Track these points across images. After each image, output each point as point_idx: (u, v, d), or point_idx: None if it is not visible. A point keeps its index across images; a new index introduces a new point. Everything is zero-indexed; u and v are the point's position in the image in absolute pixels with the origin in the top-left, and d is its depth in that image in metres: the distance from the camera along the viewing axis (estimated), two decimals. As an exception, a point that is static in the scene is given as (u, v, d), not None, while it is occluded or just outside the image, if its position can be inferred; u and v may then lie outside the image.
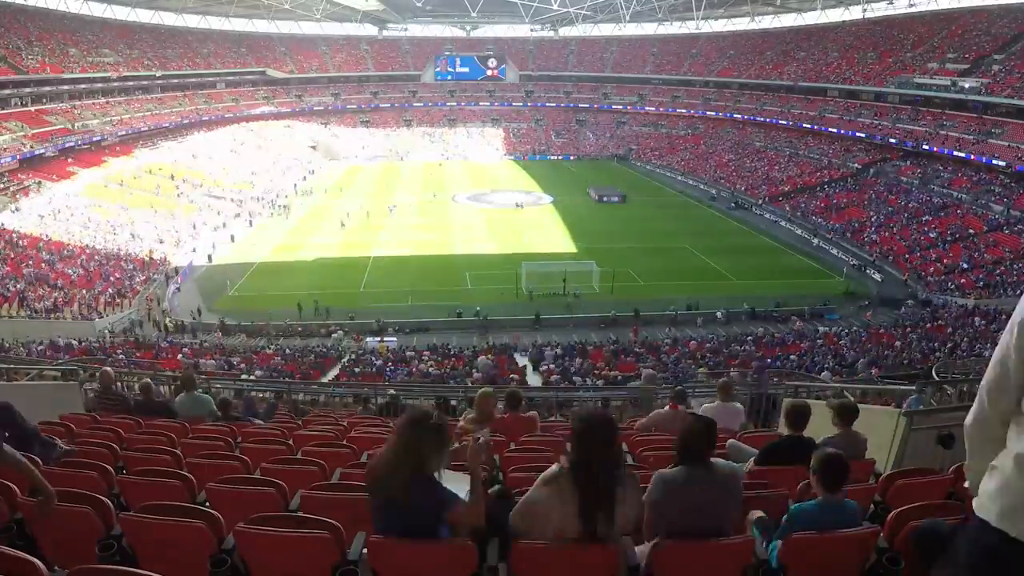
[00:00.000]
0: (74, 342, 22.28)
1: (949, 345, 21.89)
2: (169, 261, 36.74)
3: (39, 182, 41.18)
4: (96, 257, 34.39)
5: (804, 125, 59.36)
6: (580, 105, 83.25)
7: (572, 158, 73.63)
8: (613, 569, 2.82)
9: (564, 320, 29.21)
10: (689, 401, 8.42)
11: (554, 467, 2.78)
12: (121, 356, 19.72)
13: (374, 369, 21.19)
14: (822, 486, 3.22)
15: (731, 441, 5.30)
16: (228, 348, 24.42)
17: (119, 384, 9.24)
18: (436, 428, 2.72)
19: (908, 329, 25.10)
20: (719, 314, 29.56)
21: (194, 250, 38.83)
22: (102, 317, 28.14)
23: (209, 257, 37.95)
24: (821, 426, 4.99)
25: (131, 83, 60.47)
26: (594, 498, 2.63)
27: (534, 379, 20.20)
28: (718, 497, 3.05)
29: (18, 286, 28.84)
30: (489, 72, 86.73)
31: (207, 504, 3.62)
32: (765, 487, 3.85)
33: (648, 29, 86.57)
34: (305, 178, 60.31)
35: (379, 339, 26.63)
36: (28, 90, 49.00)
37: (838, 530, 3.09)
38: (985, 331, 22.92)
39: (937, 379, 13.06)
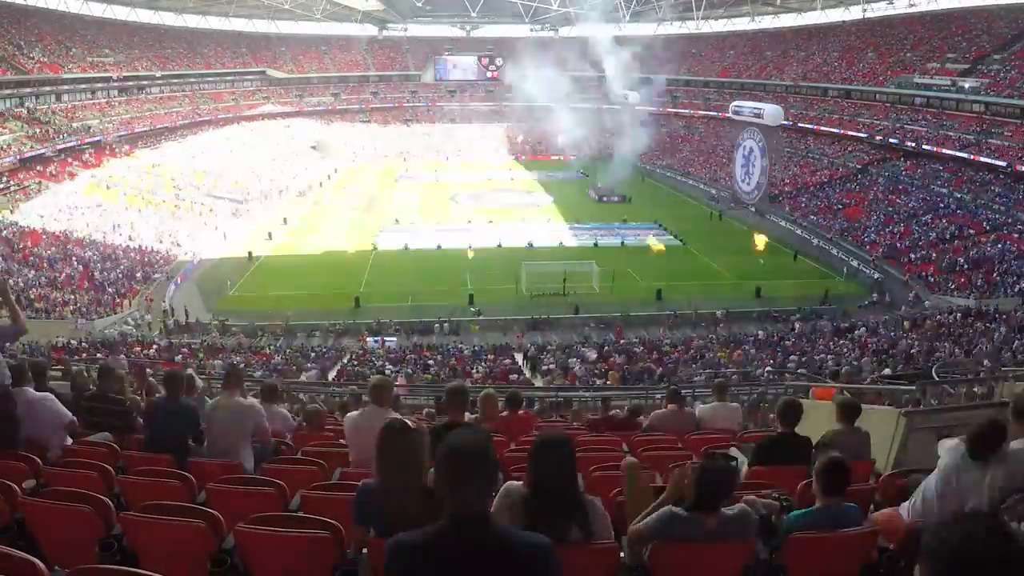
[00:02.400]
0: (73, 342, 22.29)
1: (948, 345, 21.89)
2: (169, 261, 36.80)
3: (39, 182, 41.18)
4: (96, 257, 34.40)
5: (804, 125, 59.33)
6: (580, 105, 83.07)
7: (572, 158, 73.52)
8: (610, 568, 2.83)
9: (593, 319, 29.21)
10: (687, 400, 8.42)
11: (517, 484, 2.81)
12: (122, 357, 19.70)
13: (374, 369, 21.19)
14: (822, 491, 3.19)
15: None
16: (229, 348, 24.44)
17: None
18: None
19: (908, 329, 25.09)
20: (719, 313, 29.59)
21: (194, 250, 38.89)
22: (102, 317, 28.15)
23: (209, 257, 38.01)
24: (817, 426, 4.99)
25: (131, 83, 60.46)
26: (547, 515, 2.62)
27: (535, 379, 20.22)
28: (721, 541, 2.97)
29: (17, 286, 28.84)
30: (489, 72, 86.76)
31: (207, 504, 3.62)
32: (762, 488, 3.84)
33: (648, 29, 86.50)
34: (330, 176, 60.47)
35: (379, 339, 26.65)
36: (28, 90, 48.97)
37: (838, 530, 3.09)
38: (985, 331, 22.90)
39: (937, 379, 13.05)
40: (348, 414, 5.06)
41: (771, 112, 48.60)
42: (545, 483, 2.66)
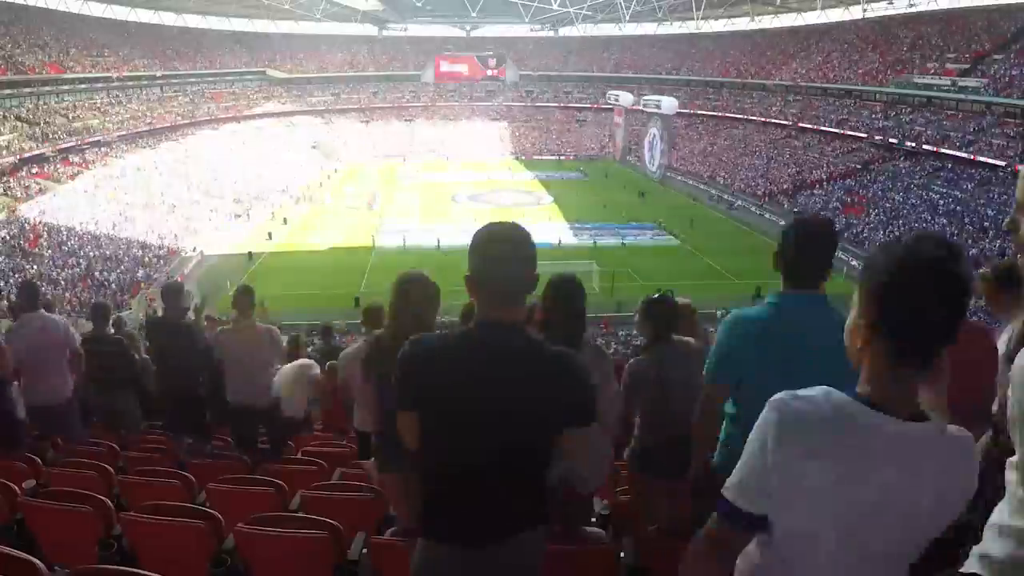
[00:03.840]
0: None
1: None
2: (169, 260, 36.82)
3: (39, 182, 41.20)
4: (96, 256, 34.42)
5: (804, 125, 59.36)
6: (580, 105, 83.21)
7: (572, 158, 73.70)
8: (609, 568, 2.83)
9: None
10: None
11: None
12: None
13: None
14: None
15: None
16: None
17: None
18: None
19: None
20: (718, 314, 29.57)
21: (194, 249, 38.94)
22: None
23: (209, 257, 38.05)
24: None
25: (131, 83, 60.47)
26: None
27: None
28: (685, 369, 3.19)
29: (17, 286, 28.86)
30: (489, 72, 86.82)
31: (207, 504, 3.62)
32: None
33: (648, 29, 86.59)
34: (330, 176, 60.48)
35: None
36: (28, 90, 48.97)
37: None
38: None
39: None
40: (345, 351, 4.41)
41: (667, 104, 60.23)
42: (557, 318, 2.89)
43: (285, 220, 46.17)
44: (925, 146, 46.12)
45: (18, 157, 41.37)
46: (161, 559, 2.94)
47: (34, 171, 42.28)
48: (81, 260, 33.50)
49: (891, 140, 49.40)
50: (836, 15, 69.25)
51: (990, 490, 1.46)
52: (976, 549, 1.42)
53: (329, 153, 70.52)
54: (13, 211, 36.00)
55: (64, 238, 35.24)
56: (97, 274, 32.38)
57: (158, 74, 63.97)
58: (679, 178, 61.93)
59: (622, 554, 2.98)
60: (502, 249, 1.73)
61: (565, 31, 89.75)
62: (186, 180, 50.60)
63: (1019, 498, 1.35)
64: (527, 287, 1.77)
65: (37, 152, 43.35)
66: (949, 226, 36.92)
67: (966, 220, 37.27)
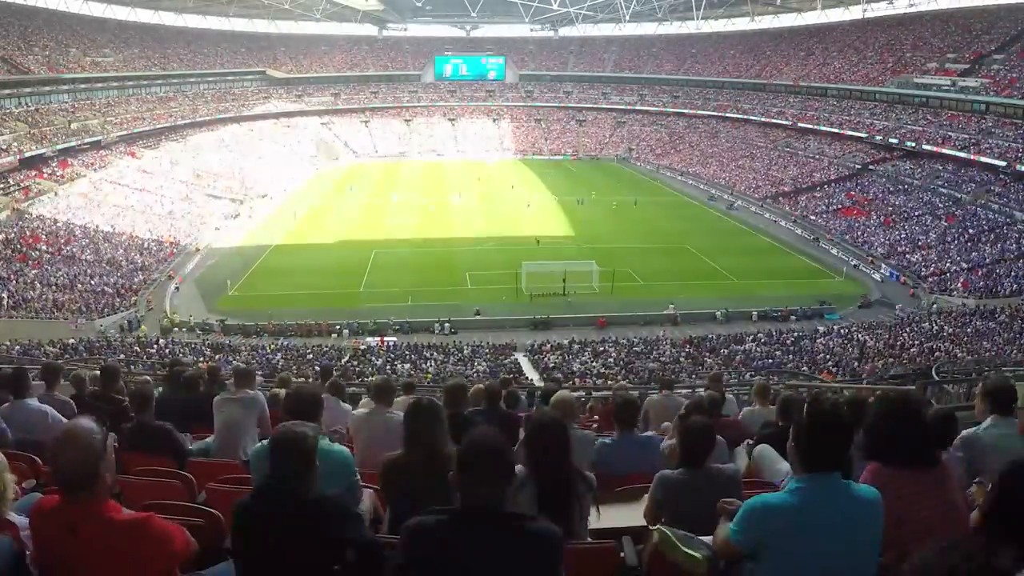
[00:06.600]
0: (72, 340, 22.27)
1: (947, 345, 21.89)
2: (168, 260, 36.80)
3: (39, 182, 41.17)
4: (95, 257, 34.38)
5: (804, 125, 59.35)
6: (580, 105, 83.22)
7: (572, 158, 73.68)
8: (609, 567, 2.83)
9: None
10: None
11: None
12: (121, 356, 19.72)
13: (374, 368, 21.22)
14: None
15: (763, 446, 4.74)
16: (233, 347, 24.45)
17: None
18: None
19: (908, 329, 25.09)
20: (718, 314, 29.58)
21: (196, 249, 38.93)
22: (102, 317, 28.14)
23: (208, 255, 38.04)
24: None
25: (131, 83, 60.46)
26: (549, 496, 2.68)
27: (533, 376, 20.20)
28: (716, 500, 3.01)
29: (18, 286, 28.84)
30: (489, 72, 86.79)
31: (207, 504, 3.62)
32: (757, 484, 3.81)
33: (648, 29, 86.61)
34: (329, 177, 60.37)
35: (379, 339, 26.67)
36: (28, 90, 48.93)
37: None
38: (984, 331, 22.91)
39: (937, 379, 13.06)
40: (354, 412, 5.25)
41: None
42: (542, 463, 2.76)
43: (286, 221, 46.00)
44: (925, 146, 46.12)
45: (18, 157, 41.32)
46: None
47: (35, 171, 42.24)
48: (80, 260, 33.42)
49: (891, 140, 49.41)
50: (836, 15, 69.31)
51: None
52: None
53: (329, 153, 70.49)
54: (13, 211, 35.95)
55: (63, 238, 35.20)
56: (96, 278, 32.28)
57: (158, 74, 63.97)
58: (679, 178, 61.90)
59: (622, 553, 2.99)
60: (480, 464, 2.07)
61: (565, 31, 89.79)
62: (186, 180, 50.58)
63: None
64: (502, 486, 2.09)
65: (37, 152, 43.30)
66: (949, 227, 36.89)
67: (966, 221, 37.23)
